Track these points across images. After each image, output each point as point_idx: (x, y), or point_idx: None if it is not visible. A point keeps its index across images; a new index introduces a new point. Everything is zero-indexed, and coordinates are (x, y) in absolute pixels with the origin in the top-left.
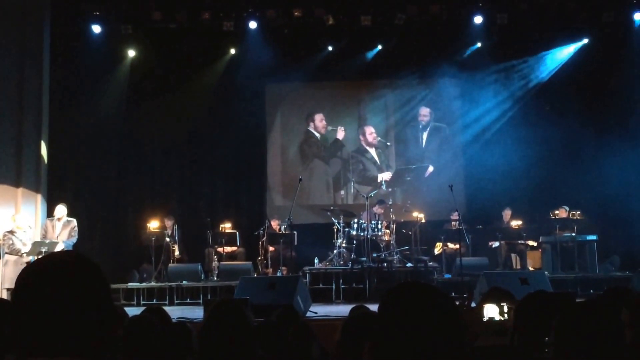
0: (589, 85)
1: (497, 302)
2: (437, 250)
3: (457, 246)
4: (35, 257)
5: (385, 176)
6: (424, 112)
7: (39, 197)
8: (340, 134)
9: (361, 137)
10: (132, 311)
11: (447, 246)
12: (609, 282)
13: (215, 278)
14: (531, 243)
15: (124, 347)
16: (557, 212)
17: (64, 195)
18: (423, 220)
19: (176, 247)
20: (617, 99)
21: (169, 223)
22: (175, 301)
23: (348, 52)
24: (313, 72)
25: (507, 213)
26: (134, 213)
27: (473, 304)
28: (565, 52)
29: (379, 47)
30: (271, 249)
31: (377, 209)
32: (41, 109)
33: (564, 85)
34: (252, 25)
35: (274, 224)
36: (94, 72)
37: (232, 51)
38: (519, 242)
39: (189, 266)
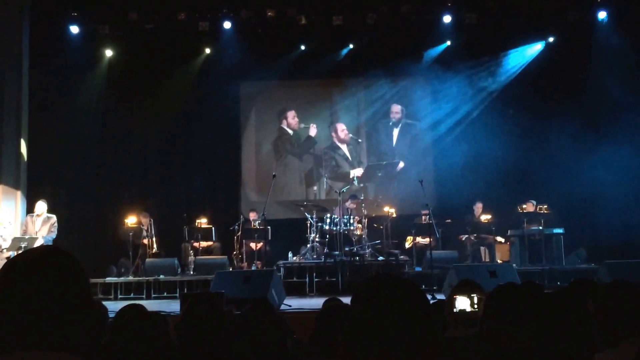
0: (557, 83)
1: (467, 294)
2: (408, 244)
3: (428, 240)
4: (15, 253)
5: (357, 172)
6: (396, 109)
7: (19, 194)
8: (313, 131)
9: (333, 134)
10: (111, 305)
11: (417, 240)
12: (576, 274)
13: (192, 272)
14: (500, 239)
15: (104, 341)
16: (524, 206)
17: (44, 192)
18: (394, 215)
19: (153, 242)
20: (586, 95)
21: (145, 221)
22: (153, 295)
23: (320, 51)
24: (286, 71)
25: (478, 206)
26: (112, 209)
27: (443, 296)
28: (532, 50)
29: (351, 46)
30: (252, 245)
31: (349, 204)
32: (21, 108)
33: (532, 83)
34: (227, 25)
35: (252, 215)
36: (73, 72)
37: (207, 51)
38: (488, 235)
39: (166, 261)
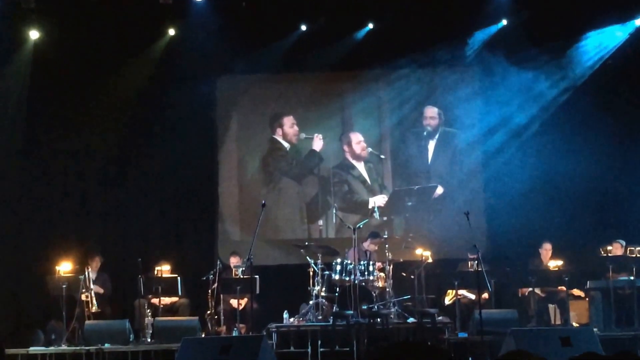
0: None
1: None
2: (448, 300)
3: (476, 295)
4: None
5: (378, 200)
6: (431, 113)
7: None
8: (318, 144)
9: (345, 148)
10: None
11: (462, 295)
12: None
13: (149, 339)
14: (577, 293)
15: None
16: (609, 248)
17: None
18: (430, 260)
19: (95, 298)
20: None
21: (93, 263)
22: None
23: (327, 34)
24: (281, 61)
25: (546, 248)
26: (38, 252)
27: None
28: (620, 34)
29: (370, 26)
30: (234, 301)
31: (368, 245)
32: None
33: (619, 79)
34: None
35: (234, 260)
36: None
37: (171, 32)
38: (559, 288)
39: (113, 323)
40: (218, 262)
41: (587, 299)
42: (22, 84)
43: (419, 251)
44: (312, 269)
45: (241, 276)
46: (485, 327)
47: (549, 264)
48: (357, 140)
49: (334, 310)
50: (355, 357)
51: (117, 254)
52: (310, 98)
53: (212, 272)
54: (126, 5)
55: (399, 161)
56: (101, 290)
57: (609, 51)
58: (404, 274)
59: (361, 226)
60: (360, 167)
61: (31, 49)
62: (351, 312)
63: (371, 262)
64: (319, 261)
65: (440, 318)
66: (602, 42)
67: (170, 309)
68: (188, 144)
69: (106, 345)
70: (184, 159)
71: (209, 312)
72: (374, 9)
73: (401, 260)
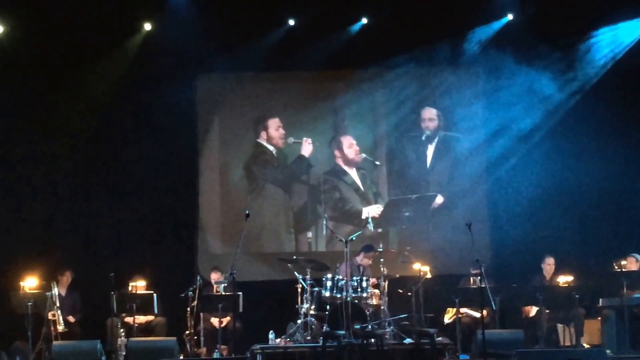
0: None
1: None
2: (448, 319)
3: (479, 313)
4: None
5: (372, 210)
6: (430, 114)
7: None
8: (307, 149)
9: (337, 153)
10: None
11: (463, 313)
12: None
13: None
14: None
15: None
16: (623, 262)
17: None
18: (429, 276)
19: (60, 317)
20: None
21: (63, 279)
22: None
23: (318, 29)
24: (267, 58)
25: (549, 263)
26: (1, 265)
27: None
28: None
29: (364, 20)
30: (215, 320)
31: (361, 259)
32: None
33: (634, 77)
34: None
35: (215, 276)
36: None
37: (147, 27)
38: (569, 306)
39: (83, 344)
40: (198, 278)
41: (599, 318)
42: None
43: (416, 266)
44: (300, 285)
45: (223, 293)
46: (488, 348)
47: (558, 280)
48: (349, 144)
49: (324, 330)
50: None
51: (88, 268)
52: (299, 99)
53: (191, 288)
54: None
55: (395, 168)
56: (72, 319)
57: (623, 49)
58: (401, 291)
59: (354, 238)
60: (353, 173)
61: None
62: (343, 332)
63: (364, 278)
64: (308, 276)
65: (439, 339)
66: (615, 38)
67: (146, 329)
68: (165, 148)
69: None
70: (161, 165)
71: (187, 332)
72: (369, 2)
73: (397, 275)
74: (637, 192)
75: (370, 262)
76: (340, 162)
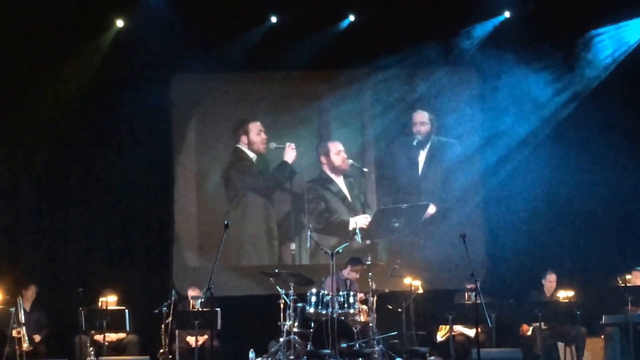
0: None
1: None
2: (441, 337)
3: (474, 331)
4: None
5: (360, 221)
6: (421, 118)
7: None
8: (290, 155)
9: (323, 159)
10: None
11: (457, 331)
12: None
13: None
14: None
15: None
16: (628, 277)
17: None
18: (420, 291)
19: (25, 334)
20: None
21: (28, 293)
22: None
23: (302, 26)
24: (247, 57)
25: (550, 280)
26: None
27: None
28: None
29: (351, 18)
30: (191, 339)
31: (348, 273)
32: None
33: (636, 79)
34: None
35: (192, 291)
36: None
37: (119, 24)
38: (570, 324)
39: None
40: (173, 292)
41: (602, 336)
42: None
43: (407, 280)
44: (283, 301)
45: (200, 309)
46: None
47: (558, 295)
48: (337, 150)
49: (308, 349)
50: None
51: (54, 282)
52: (282, 102)
53: (165, 303)
54: None
55: (385, 175)
56: (37, 338)
57: (626, 50)
58: (390, 307)
59: (340, 251)
60: (340, 181)
61: None
62: (328, 351)
63: (352, 293)
64: (291, 291)
65: (432, 358)
66: (618, 39)
67: (117, 347)
68: (138, 154)
69: None
70: (134, 172)
71: (162, 350)
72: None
73: (387, 290)
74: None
75: (358, 276)
76: (326, 169)
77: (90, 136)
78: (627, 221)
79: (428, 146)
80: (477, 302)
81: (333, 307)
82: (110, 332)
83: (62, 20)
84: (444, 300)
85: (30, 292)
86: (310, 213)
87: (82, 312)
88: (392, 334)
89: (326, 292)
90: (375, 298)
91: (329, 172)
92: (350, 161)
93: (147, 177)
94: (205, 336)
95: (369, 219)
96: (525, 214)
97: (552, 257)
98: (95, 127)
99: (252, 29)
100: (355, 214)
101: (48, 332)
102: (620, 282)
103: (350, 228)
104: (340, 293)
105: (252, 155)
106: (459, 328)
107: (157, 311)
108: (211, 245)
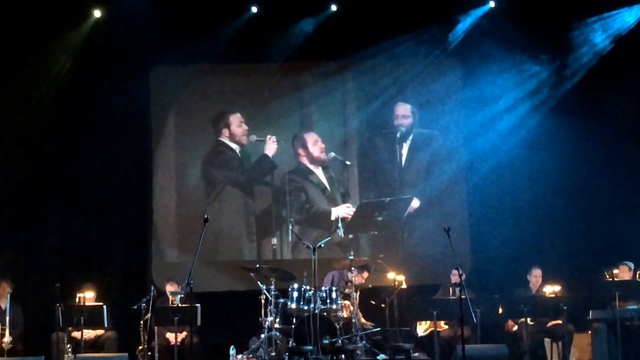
0: None
1: None
2: (423, 332)
3: (458, 327)
4: None
5: (342, 210)
6: (403, 111)
7: None
8: (271, 147)
9: (300, 151)
10: None
11: (441, 327)
12: None
13: None
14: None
15: None
16: (616, 271)
17: None
18: (404, 286)
19: (6, 330)
20: None
21: (1, 291)
22: None
23: (283, 17)
24: (227, 48)
25: (535, 275)
26: None
27: None
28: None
29: (333, 7)
30: (170, 335)
31: (355, 276)
32: None
33: (623, 70)
34: None
35: (170, 287)
36: None
37: (97, 14)
38: (556, 320)
39: None
40: (152, 288)
41: (589, 332)
42: None
43: (390, 275)
44: (264, 296)
45: (179, 304)
46: None
47: (544, 290)
48: (314, 140)
49: (289, 345)
50: None
51: (30, 278)
52: (262, 93)
53: (144, 299)
54: None
55: (367, 168)
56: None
57: (613, 40)
58: (373, 302)
59: (322, 245)
60: (319, 173)
61: None
62: (310, 347)
63: (334, 289)
64: (272, 287)
65: (416, 354)
66: (607, 28)
67: (95, 344)
68: (115, 148)
69: None
70: (111, 166)
71: (140, 347)
72: None
73: (370, 285)
74: (630, 195)
75: (364, 281)
76: (305, 160)
77: (67, 129)
78: (613, 215)
79: (410, 138)
80: (462, 297)
81: (315, 303)
82: (88, 329)
83: (35, 10)
84: (427, 296)
85: (3, 289)
86: (291, 205)
87: (59, 308)
88: (376, 329)
89: (308, 288)
90: (358, 294)
91: (308, 164)
92: (332, 153)
93: (124, 171)
94: (185, 333)
95: (351, 208)
96: (510, 207)
97: (538, 251)
98: (72, 120)
99: (232, 19)
100: (336, 204)
101: (23, 329)
102: (607, 276)
103: (332, 218)
104: (323, 288)
105: (234, 146)
106: (442, 325)
107: (135, 307)
108: (190, 240)
